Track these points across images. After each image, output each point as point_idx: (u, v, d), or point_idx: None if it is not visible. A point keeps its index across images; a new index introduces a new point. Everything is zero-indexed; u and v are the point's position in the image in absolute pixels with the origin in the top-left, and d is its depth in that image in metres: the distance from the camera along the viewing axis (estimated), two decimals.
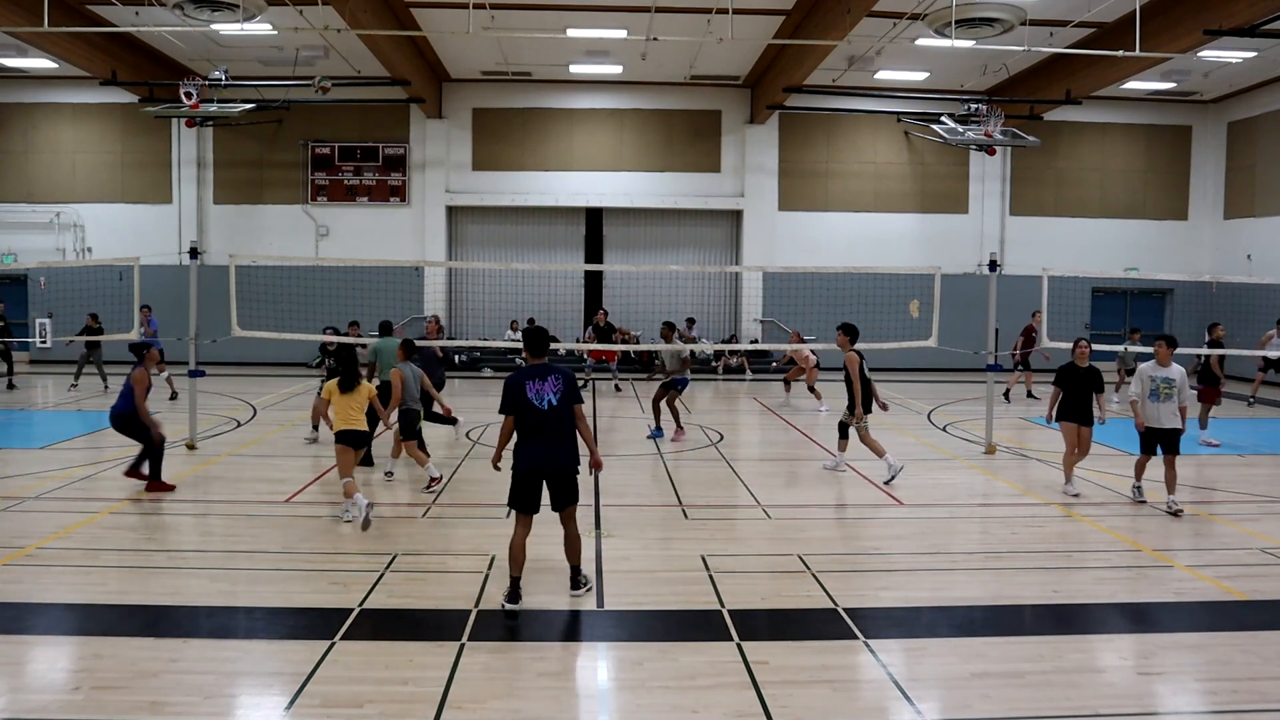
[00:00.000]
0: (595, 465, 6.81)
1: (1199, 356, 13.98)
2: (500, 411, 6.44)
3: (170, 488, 9.52)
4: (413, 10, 17.84)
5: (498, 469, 6.64)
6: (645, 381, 20.28)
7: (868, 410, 10.68)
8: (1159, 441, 9.27)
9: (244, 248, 22.42)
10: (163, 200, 23.24)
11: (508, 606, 6.21)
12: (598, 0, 17.23)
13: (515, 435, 6.46)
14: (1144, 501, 9.48)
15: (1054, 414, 10.07)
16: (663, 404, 13.26)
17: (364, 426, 8.73)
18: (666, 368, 13.29)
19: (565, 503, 6.50)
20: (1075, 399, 9.87)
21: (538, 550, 7.60)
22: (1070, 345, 10.25)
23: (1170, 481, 9.18)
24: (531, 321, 22.85)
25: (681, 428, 13.33)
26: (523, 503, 6.38)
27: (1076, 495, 9.75)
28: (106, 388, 17.64)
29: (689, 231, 24.22)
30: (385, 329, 11.87)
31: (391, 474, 10.38)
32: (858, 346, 10.93)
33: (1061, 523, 8.78)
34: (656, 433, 13.35)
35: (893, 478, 10.27)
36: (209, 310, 14.17)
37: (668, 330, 13.69)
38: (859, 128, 23.81)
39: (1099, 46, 17.34)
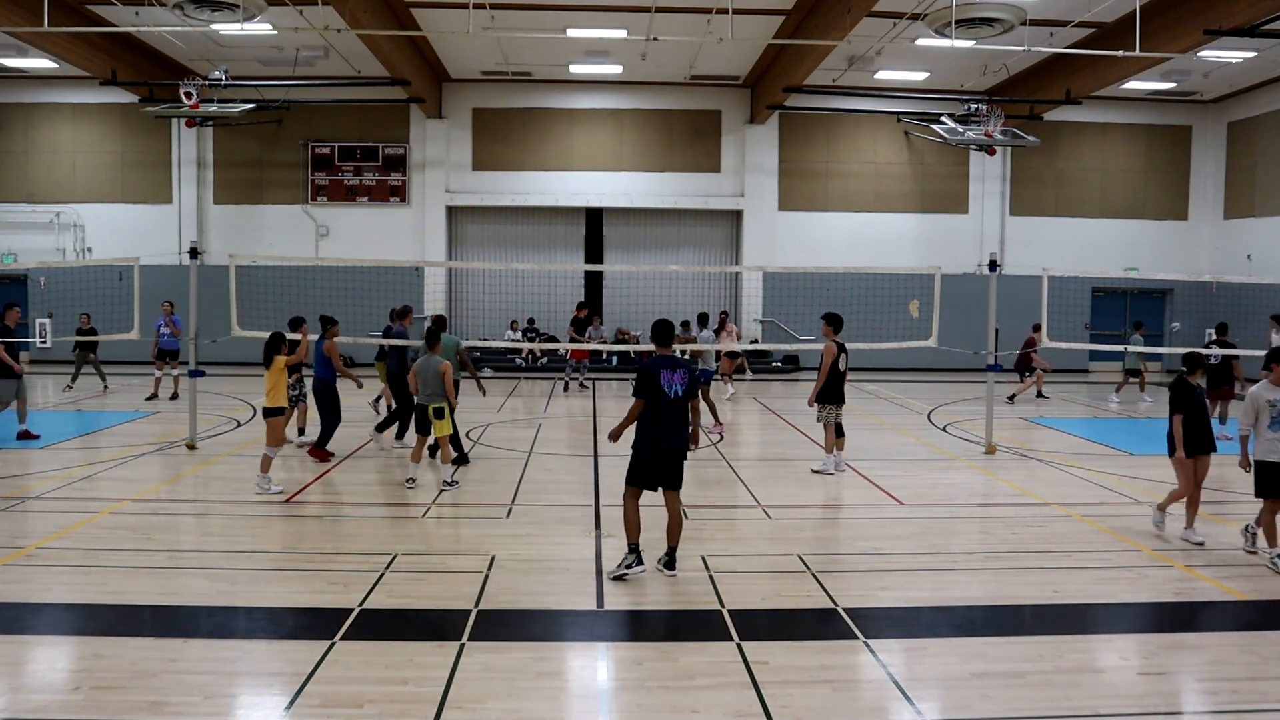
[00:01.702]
0: (694, 441, 7.29)
1: (1208, 357, 13.87)
2: (634, 395, 7.01)
3: (329, 456, 11.21)
4: (413, 10, 17.85)
5: (613, 440, 7.17)
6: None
7: (837, 402, 10.76)
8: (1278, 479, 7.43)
9: (244, 248, 22.42)
10: (163, 200, 23.25)
11: (639, 570, 6.88)
12: (598, 0, 17.23)
13: (640, 414, 6.96)
14: (1255, 552, 7.70)
15: (1183, 448, 7.99)
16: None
17: (273, 403, 9.58)
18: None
19: (674, 484, 7.04)
20: (1195, 426, 8.00)
21: (539, 550, 7.64)
22: (1063, 345, 9.73)
23: (1271, 531, 7.42)
24: (531, 322, 22.88)
25: (719, 422, 13.80)
26: (641, 480, 7.00)
27: (1201, 543, 7.91)
28: (106, 388, 17.64)
29: (689, 231, 24.23)
30: (440, 324, 11.64)
31: (454, 483, 9.95)
32: (860, 345, 11.00)
33: (1061, 523, 8.77)
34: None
35: (819, 471, 10.82)
36: (209, 310, 14.18)
37: (685, 328, 14.76)
38: (859, 128, 23.82)
39: (1099, 46, 17.35)
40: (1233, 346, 14.47)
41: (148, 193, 23.26)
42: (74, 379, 18.04)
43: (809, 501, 9.72)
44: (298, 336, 10.82)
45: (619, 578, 6.88)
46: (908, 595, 6.70)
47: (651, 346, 7.45)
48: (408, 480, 9.96)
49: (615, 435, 7.18)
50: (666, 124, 23.73)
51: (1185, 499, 8.15)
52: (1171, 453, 8.11)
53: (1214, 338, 15.59)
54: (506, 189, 23.55)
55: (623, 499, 7.10)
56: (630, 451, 7.06)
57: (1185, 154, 24.51)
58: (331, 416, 11.38)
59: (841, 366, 10.79)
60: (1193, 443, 7.99)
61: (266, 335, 9.96)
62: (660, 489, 7.06)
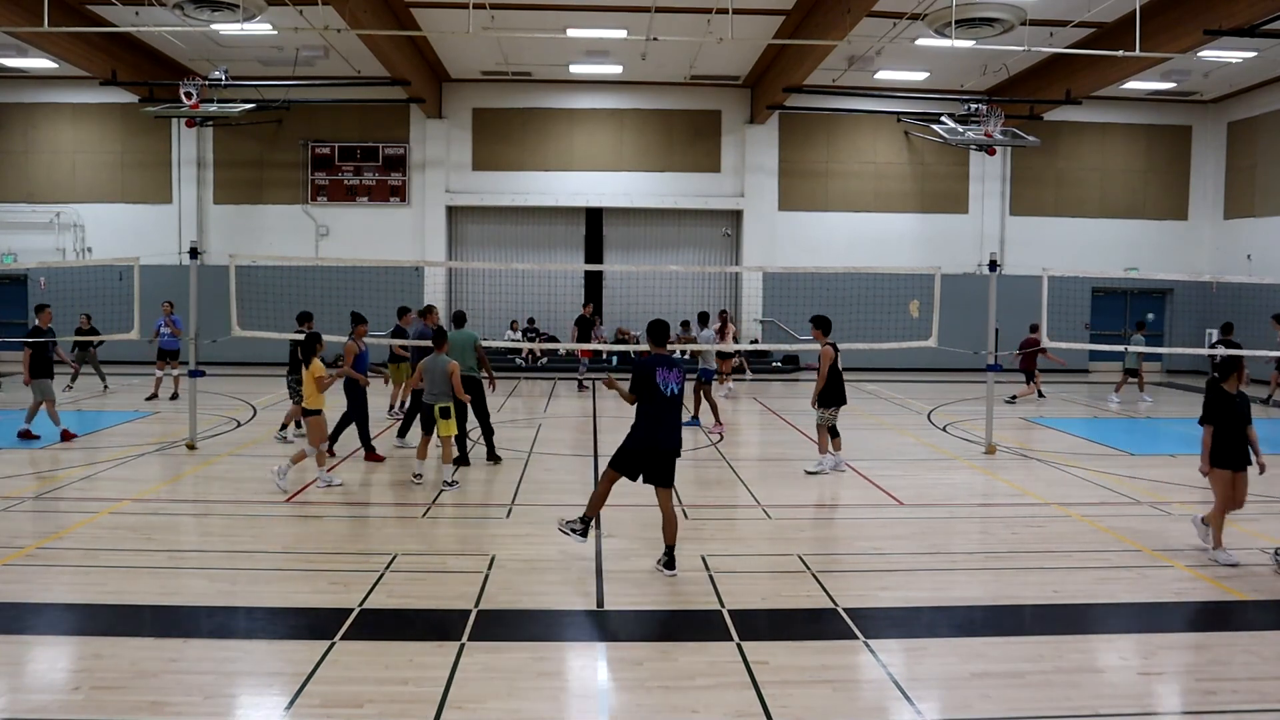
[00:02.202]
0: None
1: (1213, 358, 13.83)
2: (630, 390, 7.12)
3: (381, 457, 11.26)
4: (413, 10, 17.85)
5: (608, 385, 7.42)
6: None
7: (839, 404, 10.81)
8: None
9: (244, 248, 22.43)
10: (163, 200, 23.25)
11: (577, 539, 7.17)
12: (598, 0, 17.23)
13: (636, 411, 7.10)
14: None
15: (1209, 462, 7.60)
16: (701, 395, 14.15)
17: (312, 405, 9.70)
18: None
19: (664, 482, 7.12)
20: (1230, 437, 7.49)
21: (538, 550, 7.64)
22: (1063, 345, 9.71)
23: None
24: (532, 321, 22.89)
25: (720, 422, 13.82)
26: (624, 468, 7.14)
27: (1235, 565, 7.37)
28: (106, 388, 17.63)
29: (689, 231, 24.23)
30: (459, 320, 11.78)
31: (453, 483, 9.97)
32: (860, 345, 10.97)
33: (1061, 523, 8.77)
34: (692, 421, 14.09)
35: (814, 472, 10.79)
36: (209, 310, 14.18)
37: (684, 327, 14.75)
38: (859, 128, 23.82)
39: (1099, 46, 17.35)
40: (1238, 346, 14.44)
41: (148, 193, 23.26)
42: (74, 379, 18.03)
43: (809, 501, 9.72)
44: (303, 335, 10.78)
45: (561, 530, 7.25)
46: (908, 595, 6.69)
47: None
48: (415, 475, 10.05)
49: (610, 383, 7.43)
50: (666, 124, 23.73)
51: (1221, 516, 7.57)
52: (1206, 472, 7.64)
53: (1220, 337, 15.56)
54: (506, 189, 23.55)
55: (600, 476, 7.35)
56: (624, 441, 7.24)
57: (1185, 154, 24.51)
58: (358, 415, 11.31)
59: (839, 365, 10.84)
60: (1224, 456, 7.51)
61: (265, 335, 10.00)
62: (652, 486, 7.15)
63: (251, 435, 13.09)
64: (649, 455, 7.06)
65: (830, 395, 10.75)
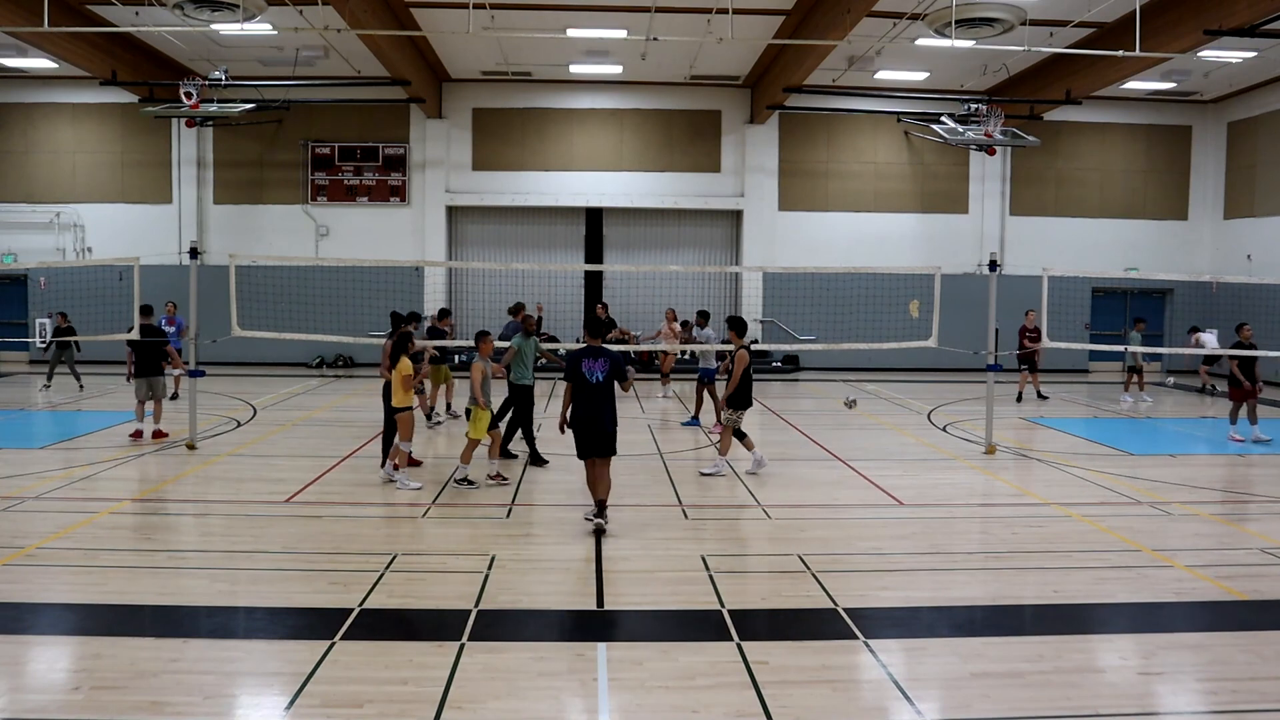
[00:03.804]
0: (625, 386, 8.43)
1: (1232, 359, 13.74)
2: (563, 379, 8.27)
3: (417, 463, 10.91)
4: (413, 10, 17.85)
5: (564, 430, 8.22)
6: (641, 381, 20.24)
7: (746, 406, 10.72)
8: None
9: (244, 248, 22.43)
10: (163, 200, 23.24)
11: (595, 523, 8.04)
12: (598, 0, 17.24)
13: (573, 400, 8.10)
14: None
15: None
16: (704, 394, 14.41)
17: (400, 402, 9.90)
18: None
19: (602, 454, 8.18)
20: None
21: (538, 550, 7.65)
22: (1063, 345, 9.58)
23: None
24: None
25: (720, 422, 13.67)
26: (581, 451, 8.17)
27: None
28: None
29: (689, 231, 24.22)
30: (521, 326, 11.93)
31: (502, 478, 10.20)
32: (860, 345, 10.94)
33: (1061, 523, 8.77)
34: (692, 421, 14.48)
35: (711, 474, 10.79)
36: (209, 310, 14.17)
37: (685, 325, 14.88)
38: (859, 128, 23.81)
39: (1099, 46, 17.34)
40: (1254, 346, 14.41)
41: (148, 193, 23.24)
42: (49, 378, 17.81)
43: (809, 501, 9.72)
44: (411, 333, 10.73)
45: (592, 521, 8.05)
46: (908, 595, 6.70)
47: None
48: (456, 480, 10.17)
49: (561, 423, 8.22)
50: (666, 124, 23.72)
51: None
52: None
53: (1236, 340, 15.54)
54: (506, 189, 23.54)
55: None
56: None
57: (1185, 154, 24.50)
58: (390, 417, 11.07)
59: (749, 370, 10.80)
60: None
61: (265, 335, 10.02)
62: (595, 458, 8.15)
63: (252, 435, 13.09)
64: (586, 435, 8.05)
65: (739, 397, 10.66)
